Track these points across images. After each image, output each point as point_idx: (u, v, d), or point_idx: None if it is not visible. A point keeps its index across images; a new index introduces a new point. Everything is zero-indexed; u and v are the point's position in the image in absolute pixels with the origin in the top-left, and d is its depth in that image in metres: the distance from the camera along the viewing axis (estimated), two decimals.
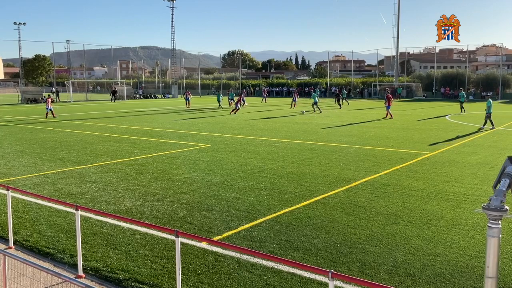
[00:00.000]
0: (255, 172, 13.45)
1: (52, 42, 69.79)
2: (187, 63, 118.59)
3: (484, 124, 25.52)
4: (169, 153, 17.07)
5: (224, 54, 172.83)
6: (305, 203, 10.06)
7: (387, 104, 32.47)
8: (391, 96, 33.73)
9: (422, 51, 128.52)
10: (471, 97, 62.82)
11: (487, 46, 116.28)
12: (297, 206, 9.83)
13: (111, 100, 61.12)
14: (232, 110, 37.69)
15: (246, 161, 15.27)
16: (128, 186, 11.72)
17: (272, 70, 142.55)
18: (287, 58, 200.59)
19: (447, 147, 18.21)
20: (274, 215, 9.20)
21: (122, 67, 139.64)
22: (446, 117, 33.63)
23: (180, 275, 5.53)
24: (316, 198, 10.44)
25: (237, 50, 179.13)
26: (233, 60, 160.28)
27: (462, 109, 37.85)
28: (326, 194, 10.80)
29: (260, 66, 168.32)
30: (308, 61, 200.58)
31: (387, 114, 32.46)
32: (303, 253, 7.23)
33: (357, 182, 12.04)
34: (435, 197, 10.61)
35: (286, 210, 9.53)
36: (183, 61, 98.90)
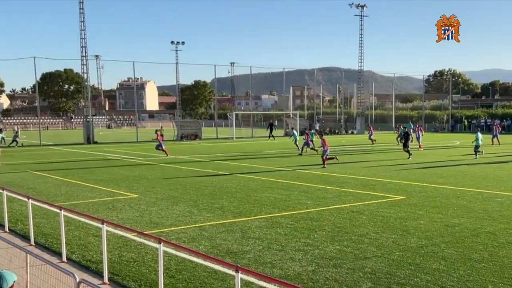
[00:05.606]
0: (467, 236, 12.99)
1: (214, 65, 75.48)
2: (377, 89, 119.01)
3: None
4: (350, 205, 17.33)
5: (429, 76, 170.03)
6: None
7: None
8: None
9: None
10: None
11: None
12: None
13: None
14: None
15: (454, 220, 14.82)
16: (298, 246, 12.21)
17: (496, 96, 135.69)
18: None
19: None
20: None
21: (295, 95, 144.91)
22: None
23: None
24: None
25: (446, 69, 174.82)
26: (441, 83, 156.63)
27: None
28: None
29: (479, 90, 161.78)
30: None
31: None
32: None
33: None
34: None
35: None
36: (373, 86, 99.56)
